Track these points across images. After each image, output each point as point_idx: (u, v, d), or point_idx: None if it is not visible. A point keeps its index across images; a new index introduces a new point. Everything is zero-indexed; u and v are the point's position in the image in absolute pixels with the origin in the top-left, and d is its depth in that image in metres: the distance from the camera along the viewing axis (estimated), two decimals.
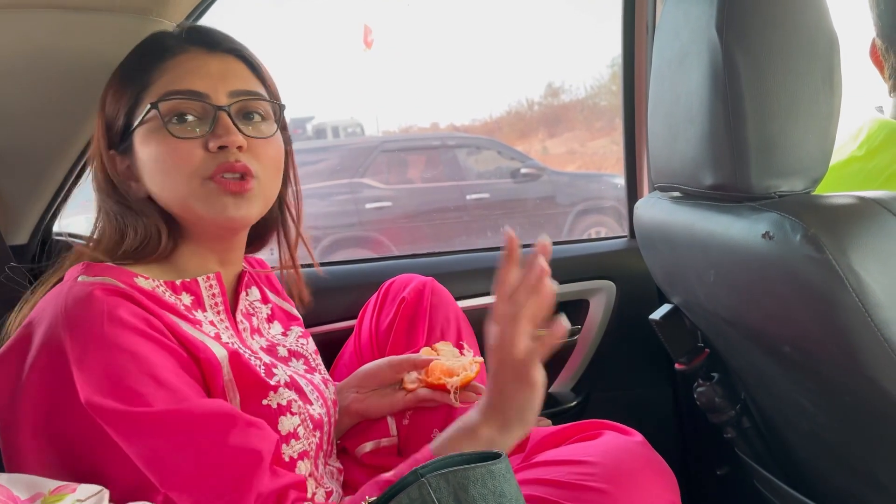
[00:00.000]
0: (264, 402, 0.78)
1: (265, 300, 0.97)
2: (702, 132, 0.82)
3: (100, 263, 0.76)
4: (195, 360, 0.73)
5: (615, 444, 0.91)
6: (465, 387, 0.96)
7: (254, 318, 0.91)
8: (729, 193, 0.81)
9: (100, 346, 0.66)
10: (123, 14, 0.98)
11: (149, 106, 0.77)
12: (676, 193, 1.00)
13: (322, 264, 1.39)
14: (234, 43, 0.84)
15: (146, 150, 0.79)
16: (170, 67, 0.79)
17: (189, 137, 0.77)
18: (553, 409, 1.42)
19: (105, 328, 0.67)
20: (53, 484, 0.60)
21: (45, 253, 1.19)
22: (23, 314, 0.79)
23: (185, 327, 0.75)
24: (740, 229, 0.78)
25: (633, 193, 1.49)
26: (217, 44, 0.82)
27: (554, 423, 1.22)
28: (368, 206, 4.98)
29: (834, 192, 0.76)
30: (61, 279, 0.77)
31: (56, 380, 0.67)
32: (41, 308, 0.72)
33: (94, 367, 0.66)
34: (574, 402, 1.43)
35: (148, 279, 0.77)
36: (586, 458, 0.87)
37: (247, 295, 0.92)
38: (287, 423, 0.79)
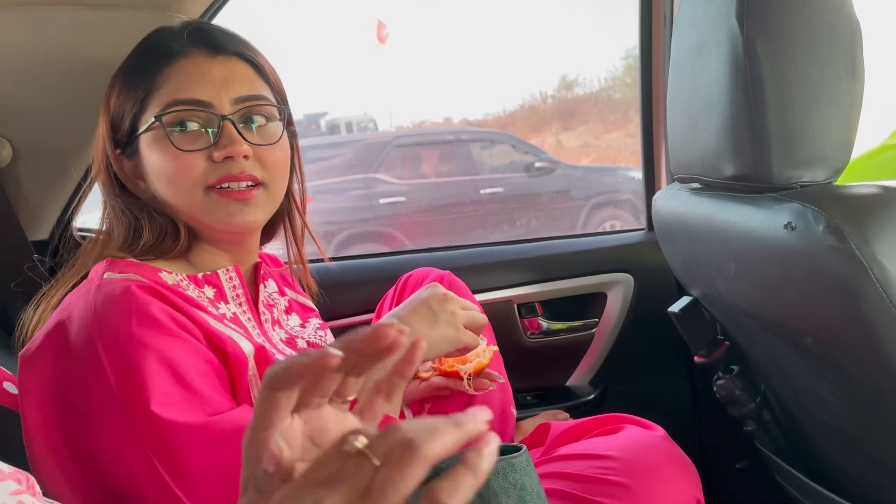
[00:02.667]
0: None
1: (282, 293, 0.98)
2: (722, 122, 0.82)
3: (123, 260, 0.77)
4: (222, 356, 0.73)
5: (636, 438, 0.91)
6: (479, 374, 0.95)
7: (274, 310, 0.92)
8: (750, 184, 0.81)
9: (130, 348, 0.66)
10: (142, 10, 0.99)
11: (153, 119, 0.78)
12: (696, 185, 0.99)
13: (339, 258, 1.40)
14: (237, 45, 0.83)
15: (151, 157, 0.79)
16: (173, 73, 0.79)
17: (193, 150, 0.77)
18: (570, 402, 1.41)
19: (134, 328, 0.67)
20: None
21: (65, 248, 1.21)
22: (42, 309, 0.79)
23: (212, 322, 0.75)
24: (761, 220, 0.78)
25: (650, 185, 1.48)
26: (221, 47, 0.81)
27: (571, 417, 1.22)
28: (382, 201, 4.99)
29: (865, 180, 0.75)
30: (85, 276, 0.77)
31: (86, 381, 0.67)
32: (70, 306, 0.72)
33: (124, 369, 0.66)
34: (591, 396, 1.43)
35: (171, 274, 0.78)
36: (607, 452, 0.87)
37: (265, 287, 0.92)
38: None
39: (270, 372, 0.38)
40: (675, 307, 1.15)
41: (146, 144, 0.79)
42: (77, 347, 0.68)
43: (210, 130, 0.78)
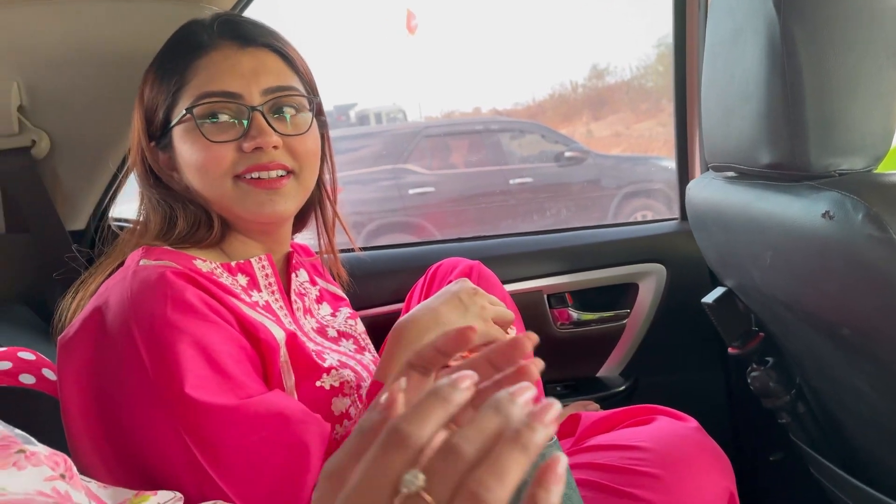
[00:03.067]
0: (318, 383, 0.79)
1: (313, 282, 0.99)
2: (758, 110, 0.80)
3: (159, 248, 0.78)
4: (255, 342, 0.75)
5: (668, 429, 0.90)
6: None
7: (305, 299, 0.93)
8: (787, 172, 0.79)
9: (165, 332, 0.68)
10: (175, 1, 1.01)
11: (184, 111, 0.79)
12: (731, 173, 0.97)
13: (368, 248, 1.40)
14: (266, 36, 0.84)
15: (183, 149, 0.81)
16: (204, 66, 0.80)
17: (223, 141, 0.78)
18: (601, 393, 1.41)
19: (169, 313, 0.68)
20: (133, 492, 0.62)
21: (101, 238, 1.23)
22: (80, 297, 0.81)
23: (245, 309, 0.76)
24: (799, 209, 0.76)
25: (684, 174, 1.46)
26: (250, 39, 0.82)
27: (603, 408, 1.21)
28: (412, 191, 5.00)
29: None
30: (122, 263, 0.79)
31: (122, 365, 0.68)
32: (106, 292, 0.73)
33: (158, 352, 0.67)
34: (623, 387, 1.42)
35: (206, 261, 0.79)
36: (639, 443, 0.86)
37: (296, 276, 0.93)
38: (339, 404, 0.80)
39: (411, 352, 0.38)
40: (709, 298, 1.14)
41: (178, 136, 0.81)
42: (113, 332, 0.69)
43: (240, 122, 0.79)
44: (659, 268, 1.43)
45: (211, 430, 0.66)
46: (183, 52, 0.82)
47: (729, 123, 0.88)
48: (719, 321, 1.13)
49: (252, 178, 0.80)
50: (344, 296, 1.05)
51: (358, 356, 0.91)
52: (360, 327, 1.01)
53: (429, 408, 0.31)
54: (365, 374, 0.88)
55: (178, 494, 0.63)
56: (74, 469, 0.55)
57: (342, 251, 1.07)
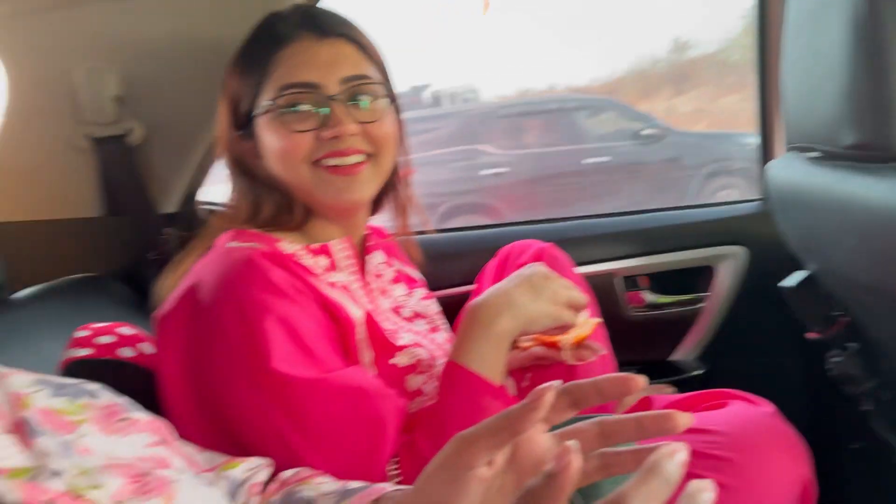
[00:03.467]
0: (392, 361, 0.82)
1: (388, 263, 1.02)
2: (842, 88, 0.77)
3: (247, 231, 0.83)
4: (335, 320, 0.79)
5: (743, 413, 0.89)
6: (580, 345, 0.95)
7: (381, 280, 0.96)
8: (872, 153, 0.76)
9: (251, 310, 0.72)
10: None
11: (268, 102, 0.83)
12: (813, 153, 0.94)
13: (440, 230, 1.42)
14: (343, 27, 0.87)
15: (266, 138, 0.85)
16: (284, 57, 0.83)
17: (304, 130, 0.82)
18: (677, 377, 1.39)
19: (256, 293, 0.73)
20: (226, 457, 0.67)
21: (191, 221, 1.30)
22: (175, 276, 0.87)
23: (326, 289, 0.81)
24: (883, 191, 0.73)
25: (766, 154, 1.41)
26: (327, 30, 0.85)
27: (678, 392, 1.20)
28: (484, 172, 5.00)
29: None
30: (212, 246, 0.84)
31: (213, 340, 0.74)
32: (199, 272, 0.79)
33: (246, 329, 0.72)
34: (698, 372, 1.40)
35: (289, 244, 0.84)
36: (712, 427, 0.85)
37: (373, 258, 0.97)
38: (413, 381, 0.83)
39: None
40: (789, 282, 1.10)
41: (262, 126, 0.85)
42: (205, 309, 0.74)
43: (319, 111, 0.82)
44: (738, 250, 1.39)
45: (296, 402, 0.71)
46: (264, 44, 0.85)
47: (811, 102, 0.85)
48: (799, 306, 1.10)
49: (329, 164, 0.83)
50: (419, 277, 1.08)
51: (431, 335, 0.94)
52: (435, 307, 1.03)
53: (656, 490, 0.34)
54: (438, 353, 0.90)
55: (267, 461, 0.67)
56: (174, 434, 0.59)
57: (416, 233, 1.09)
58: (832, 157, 0.88)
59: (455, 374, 0.79)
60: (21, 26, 1.07)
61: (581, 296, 0.87)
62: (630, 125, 5.36)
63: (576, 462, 0.36)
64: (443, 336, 0.97)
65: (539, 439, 0.48)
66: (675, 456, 0.34)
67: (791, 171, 0.99)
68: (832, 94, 0.80)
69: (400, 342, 0.85)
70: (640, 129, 5.30)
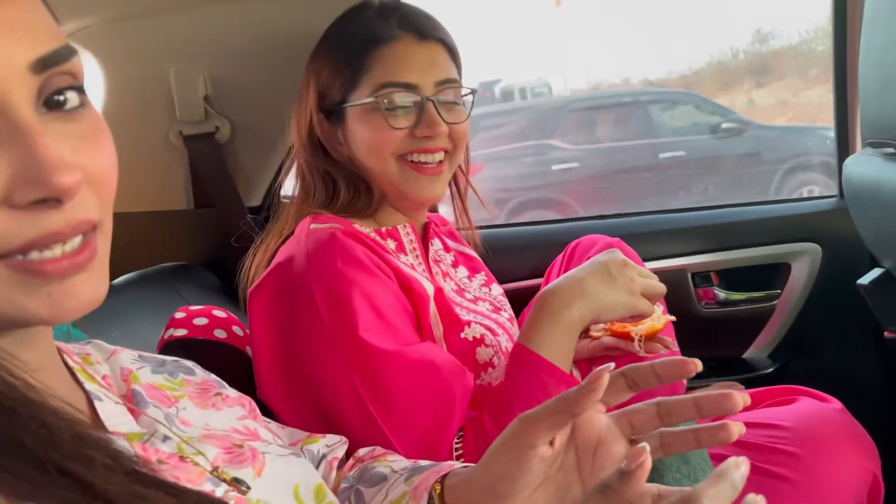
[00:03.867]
0: (462, 335, 0.86)
1: (447, 249, 1.06)
2: None
3: (323, 214, 0.89)
4: (409, 294, 0.84)
5: (810, 409, 0.89)
6: (651, 337, 0.95)
7: (441, 265, 1.01)
8: None
9: (337, 282, 0.78)
10: None
11: (368, 99, 0.88)
12: (890, 149, 0.92)
13: (509, 225, 1.45)
14: (439, 31, 0.92)
15: (359, 127, 0.90)
16: (385, 56, 0.88)
17: (400, 127, 0.87)
18: (748, 374, 1.38)
19: (341, 266, 0.79)
20: (306, 434, 0.72)
21: (273, 212, 1.37)
22: (258, 260, 0.93)
23: (402, 266, 0.86)
24: None
25: (843, 149, 1.37)
26: (426, 33, 0.90)
27: (747, 389, 1.19)
28: (555, 167, 4.96)
29: None
30: (292, 232, 0.89)
31: (300, 313, 0.79)
32: (286, 252, 0.85)
33: (333, 300, 0.77)
34: (771, 369, 1.38)
35: (362, 226, 0.89)
36: (779, 422, 0.86)
37: (433, 244, 1.01)
38: (483, 354, 0.87)
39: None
40: (865, 279, 1.08)
41: (355, 116, 0.90)
42: (293, 285, 0.80)
43: (415, 110, 0.88)
44: (814, 247, 1.36)
45: (376, 371, 0.76)
46: (363, 41, 0.90)
47: (886, 97, 0.84)
48: (876, 304, 1.08)
49: (414, 160, 0.89)
50: (476, 256, 1.10)
51: (494, 315, 0.98)
52: (496, 290, 1.06)
53: (723, 493, 0.37)
54: (500, 331, 0.94)
55: (343, 439, 0.72)
56: (257, 410, 0.65)
57: (483, 227, 1.13)
58: None
59: (523, 357, 0.81)
60: (116, 32, 1.15)
61: (658, 285, 0.87)
62: (708, 119, 5.21)
63: (648, 462, 0.39)
64: (505, 315, 1.00)
65: (597, 419, 0.51)
66: (741, 467, 0.38)
67: (867, 166, 0.97)
68: None
69: (465, 317, 0.89)
70: (719, 122, 5.14)
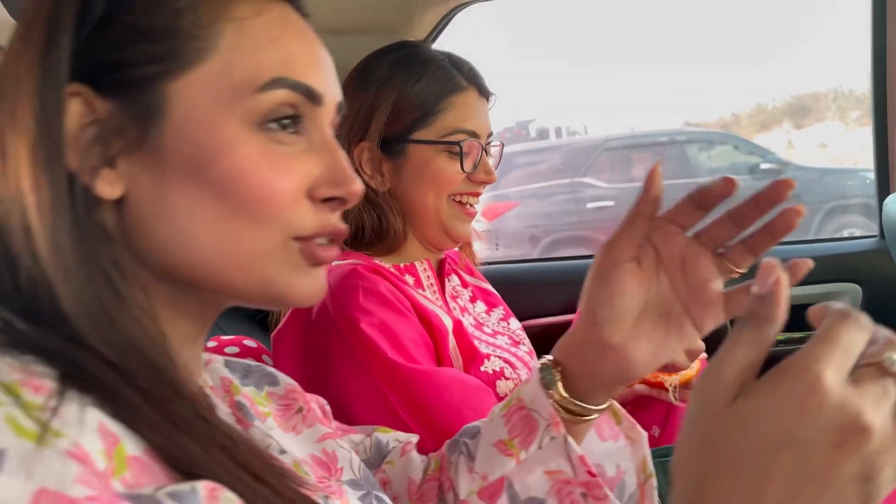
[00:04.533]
0: (482, 368, 0.87)
1: (465, 284, 1.06)
2: None
3: (345, 251, 0.90)
4: (429, 328, 0.85)
5: None
6: (685, 385, 0.94)
7: (459, 300, 1.01)
8: None
9: (361, 318, 0.79)
10: (376, 34, 1.12)
11: (440, 140, 0.91)
12: None
13: (541, 260, 1.45)
14: (489, 89, 0.98)
15: (422, 163, 0.91)
16: (458, 103, 0.92)
17: (467, 171, 0.92)
18: None
19: (361, 300, 0.80)
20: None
21: None
22: None
23: (421, 300, 0.87)
24: None
25: (883, 189, 1.35)
26: (485, 90, 0.96)
27: None
28: (590, 205, 4.95)
29: None
30: None
31: (329, 346, 0.81)
32: None
33: (358, 335, 0.79)
34: None
35: (382, 262, 0.90)
36: None
37: (449, 280, 1.01)
38: (503, 386, 0.87)
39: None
40: None
41: (419, 151, 0.91)
42: (318, 321, 0.82)
43: (476, 157, 0.92)
44: (854, 287, 1.33)
45: (414, 390, 0.77)
46: (444, 83, 0.93)
47: None
48: None
49: (461, 202, 0.93)
50: (494, 291, 1.10)
51: (513, 349, 0.97)
52: (515, 324, 1.06)
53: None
54: (520, 365, 0.93)
55: (415, 436, 0.71)
56: (330, 413, 0.64)
57: (515, 261, 1.13)
58: None
59: None
60: None
61: (700, 344, 0.86)
62: (747, 159, 5.16)
63: (783, 277, 0.35)
64: (524, 349, 1.00)
65: (676, 238, 0.52)
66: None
67: None
68: None
69: (484, 350, 0.89)
70: (758, 163, 5.10)
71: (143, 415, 0.35)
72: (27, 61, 0.39)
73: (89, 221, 0.40)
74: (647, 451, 0.58)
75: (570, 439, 0.55)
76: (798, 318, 1.14)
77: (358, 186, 0.44)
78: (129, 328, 0.39)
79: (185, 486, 0.33)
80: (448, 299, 0.98)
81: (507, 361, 0.91)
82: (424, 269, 0.96)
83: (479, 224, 1.03)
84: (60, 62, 0.39)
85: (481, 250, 1.12)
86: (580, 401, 0.55)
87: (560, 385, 0.55)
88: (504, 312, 1.07)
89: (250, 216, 0.41)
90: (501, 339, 1.00)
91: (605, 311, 0.51)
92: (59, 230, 0.38)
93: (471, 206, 0.94)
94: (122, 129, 0.40)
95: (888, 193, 1.32)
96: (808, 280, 1.29)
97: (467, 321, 0.98)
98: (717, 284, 0.50)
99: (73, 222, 0.38)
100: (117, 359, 0.37)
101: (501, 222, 4.72)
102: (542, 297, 1.35)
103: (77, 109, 0.39)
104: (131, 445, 0.34)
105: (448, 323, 0.87)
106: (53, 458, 0.30)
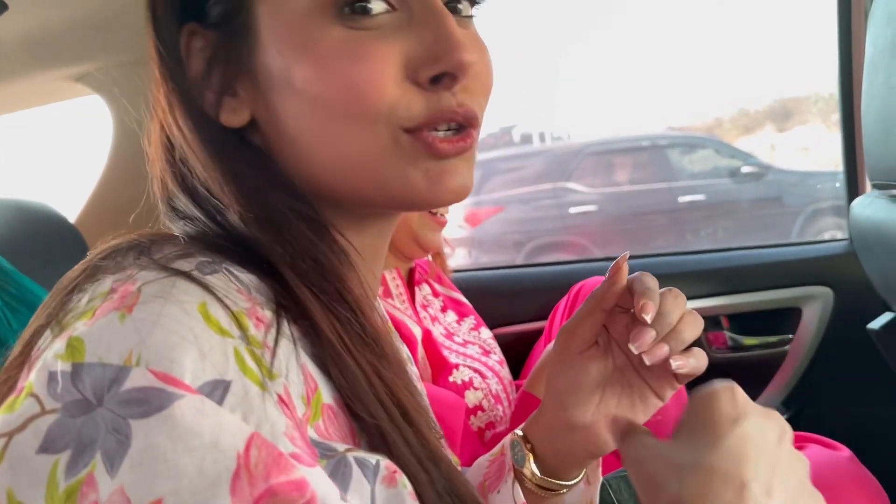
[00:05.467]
0: (450, 378, 0.86)
1: (435, 294, 1.06)
2: None
3: None
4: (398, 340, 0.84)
5: (818, 457, 0.86)
6: None
7: (429, 309, 1.01)
8: None
9: None
10: None
11: None
12: (895, 191, 0.91)
13: (513, 266, 1.45)
14: None
15: None
16: None
17: None
18: None
19: None
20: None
21: None
22: None
23: (391, 309, 0.86)
24: None
25: (853, 192, 1.36)
26: None
27: None
28: (572, 210, 4.96)
29: None
30: None
31: None
32: None
33: None
34: (784, 417, 1.34)
35: None
36: None
37: (420, 289, 1.01)
38: (472, 397, 0.87)
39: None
40: (875, 324, 1.06)
41: None
42: None
43: None
44: (826, 291, 1.34)
45: None
46: None
47: (889, 139, 0.83)
48: (887, 349, 1.05)
49: (431, 212, 0.92)
50: (466, 301, 1.11)
51: (484, 358, 0.97)
52: (486, 333, 1.06)
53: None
54: (490, 374, 0.93)
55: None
56: None
57: (489, 268, 1.13)
58: None
59: (528, 401, 0.84)
60: (127, 75, 1.17)
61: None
62: (728, 163, 5.19)
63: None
64: (494, 358, 1.00)
65: (620, 317, 0.52)
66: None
67: (873, 209, 0.96)
68: None
69: (453, 360, 0.89)
70: (739, 166, 5.12)
71: (338, 356, 0.35)
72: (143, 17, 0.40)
73: (238, 147, 0.40)
74: (597, 494, 0.58)
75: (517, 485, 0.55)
76: (771, 322, 1.15)
77: (465, 56, 0.38)
78: (312, 244, 0.38)
79: (371, 458, 0.34)
80: (418, 308, 0.98)
81: (476, 371, 0.91)
82: (393, 278, 0.96)
83: (461, 230, 1.03)
84: (173, 5, 0.40)
85: (461, 256, 1.12)
86: (552, 477, 0.55)
87: (531, 463, 0.55)
88: (475, 322, 1.07)
89: (347, 116, 0.38)
90: (472, 348, 1.00)
91: (571, 397, 0.52)
92: (214, 161, 0.39)
93: (441, 214, 0.93)
94: (230, 56, 0.40)
95: (856, 196, 1.33)
96: (780, 284, 1.31)
97: (437, 331, 0.98)
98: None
99: (222, 150, 0.39)
100: (306, 279, 0.37)
101: (484, 228, 4.71)
102: (513, 305, 1.34)
103: (197, 45, 0.40)
104: (326, 393, 0.35)
105: (417, 332, 0.87)
106: (270, 404, 0.30)
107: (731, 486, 0.36)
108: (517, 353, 1.10)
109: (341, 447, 0.33)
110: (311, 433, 0.32)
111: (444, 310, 1.05)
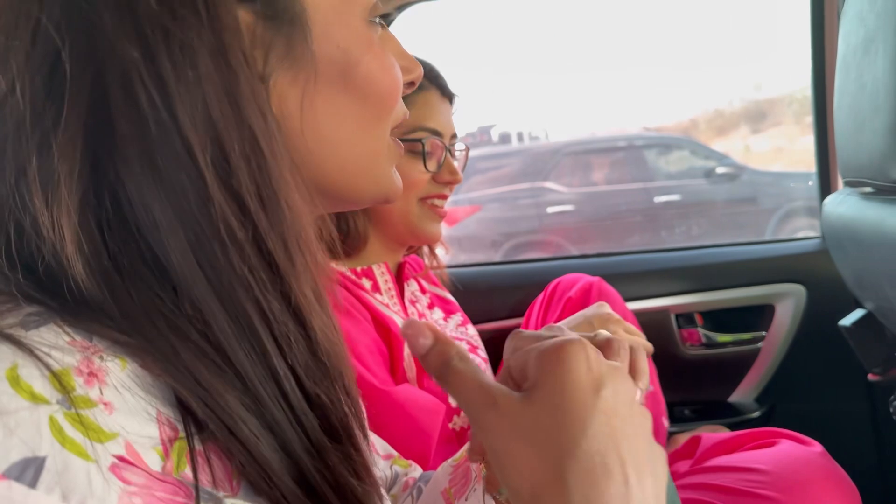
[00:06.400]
0: None
1: (423, 290, 1.06)
2: (889, 122, 0.76)
3: None
4: (385, 335, 0.85)
5: (790, 452, 0.87)
6: None
7: (417, 305, 1.00)
8: None
9: None
10: None
11: (411, 139, 0.91)
12: (867, 189, 0.92)
13: (489, 263, 1.45)
14: (452, 92, 0.98)
15: None
16: (419, 101, 0.93)
17: (432, 171, 0.92)
18: (734, 418, 1.35)
19: None
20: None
21: None
22: None
23: (378, 306, 0.87)
24: None
25: (825, 190, 1.38)
26: (448, 92, 0.97)
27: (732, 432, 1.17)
28: (550, 210, 4.98)
29: None
30: None
31: None
32: None
33: None
34: (757, 413, 1.36)
35: (338, 265, 0.89)
36: (757, 466, 0.84)
37: (408, 285, 1.01)
38: None
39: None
40: (847, 321, 1.07)
41: None
42: None
43: (439, 157, 0.93)
44: (798, 288, 1.36)
45: (371, 408, 0.77)
46: None
47: (860, 136, 0.84)
48: (858, 345, 1.06)
49: (432, 204, 0.93)
50: (452, 299, 1.10)
51: (471, 355, 0.97)
52: (472, 331, 1.06)
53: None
54: None
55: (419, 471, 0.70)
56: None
57: (464, 266, 1.12)
58: (883, 192, 0.86)
59: None
60: None
61: (646, 344, 0.84)
62: (703, 163, 5.24)
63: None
64: (481, 355, 1.00)
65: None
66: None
67: (844, 206, 0.97)
68: (879, 128, 0.78)
69: None
70: (714, 167, 5.18)
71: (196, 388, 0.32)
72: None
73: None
74: None
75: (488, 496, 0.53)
76: (745, 319, 1.16)
77: (420, 71, 0.46)
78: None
79: None
80: (407, 304, 0.97)
81: None
82: (382, 273, 0.95)
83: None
84: None
85: (439, 255, 1.11)
86: None
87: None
88: (462, 319, 1.07)
89: (379, 116, 0.41)
90: (459, 344, 1.00)
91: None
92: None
93: (440, 207, 0.95)
94: (271, 44, 0.38)
95: (828, 194, 1.34)
96: (754, 281, 1.32)
97: None
98: None
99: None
100: None
101: (463, 227, 4.72)
102: (490, 301, 1.34)
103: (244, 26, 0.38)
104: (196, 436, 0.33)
105: None
106: (96, 477, 0.26)
107: (614, 479, 0.32)
108: (494, 349, 1.10)
109: (220, 494, 0.30)
110: (188, 478, 0.29)
111: (430, 307, 1.05)
